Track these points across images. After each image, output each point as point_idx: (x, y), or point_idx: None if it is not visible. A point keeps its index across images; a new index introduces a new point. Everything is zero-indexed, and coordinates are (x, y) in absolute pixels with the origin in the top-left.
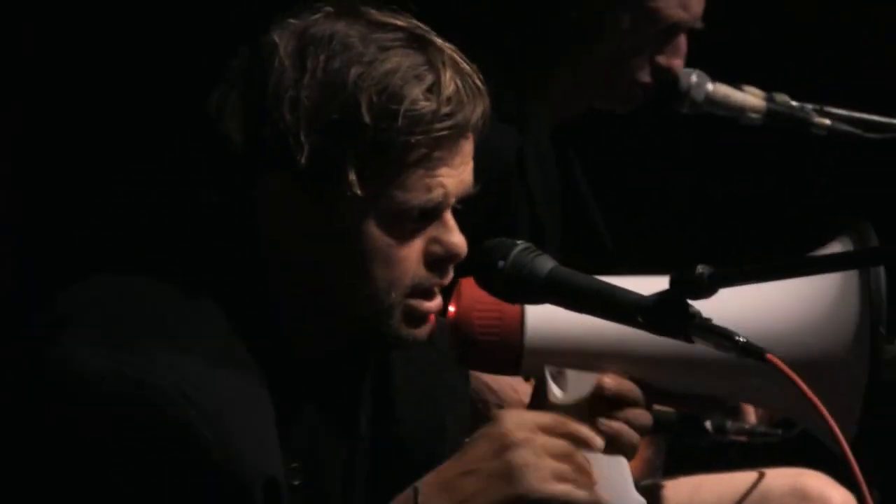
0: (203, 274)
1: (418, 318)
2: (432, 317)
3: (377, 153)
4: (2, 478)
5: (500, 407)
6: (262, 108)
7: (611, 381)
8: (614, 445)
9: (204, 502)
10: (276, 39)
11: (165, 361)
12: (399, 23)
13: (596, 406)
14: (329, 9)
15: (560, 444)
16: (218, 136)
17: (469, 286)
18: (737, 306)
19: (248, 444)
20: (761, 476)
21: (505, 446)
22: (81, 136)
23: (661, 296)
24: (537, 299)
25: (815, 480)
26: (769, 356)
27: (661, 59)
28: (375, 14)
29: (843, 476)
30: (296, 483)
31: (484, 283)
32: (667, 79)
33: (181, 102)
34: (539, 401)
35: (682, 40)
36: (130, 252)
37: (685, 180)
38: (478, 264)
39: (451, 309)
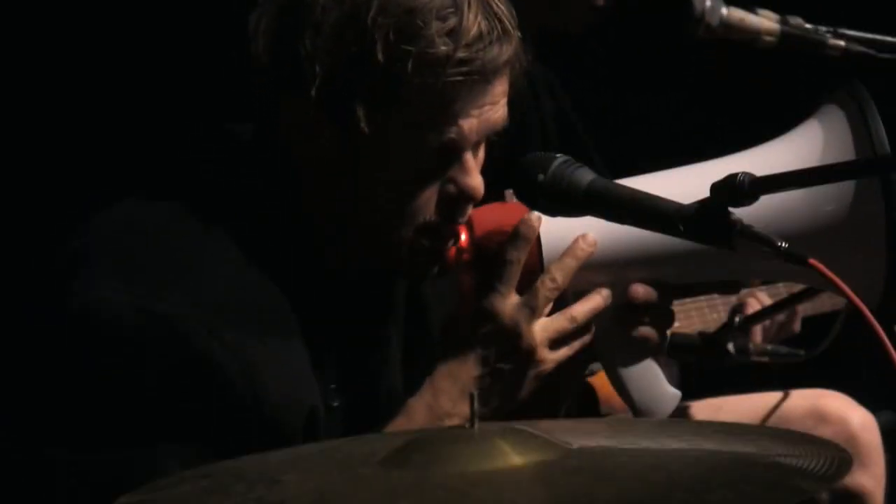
0: (230, 197)
1: (427, 253)
2: (452, 252)
3: (387, 91)
4: (27, 416)
5: None
6: (288, 32)
7: (640, 289)
8: (644, 348)
9: (228, 432)
10: None
11: (187, 293)
12: None
13: (623, 315)
14: None
15: (559, 321)
16: (249, 55)
17: (479, 215)
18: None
19: (274, 372)
20: (781, 397)
21: (513, 338)
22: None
23: (701, 204)
24: (578, 211)
25: (834, 401)
26: (811, 261)
27: None
28: None
29: (862, 397)
30: (335, 404)
31: (524, 198)
32: None
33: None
34: None
35: None
36: (157, 179)
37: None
38: (517, 179)
39: (463, 238)
